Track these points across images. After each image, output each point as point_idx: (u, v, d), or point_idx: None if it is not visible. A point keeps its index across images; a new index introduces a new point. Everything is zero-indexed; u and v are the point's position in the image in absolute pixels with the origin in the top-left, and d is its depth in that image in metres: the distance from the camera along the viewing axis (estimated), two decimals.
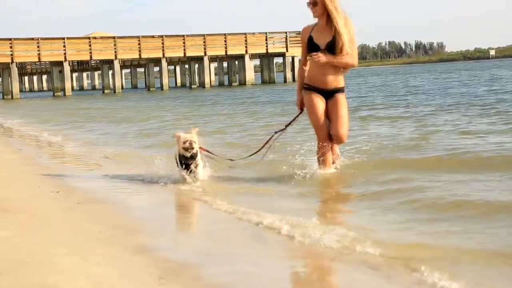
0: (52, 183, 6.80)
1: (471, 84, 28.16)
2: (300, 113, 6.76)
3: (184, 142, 6.41)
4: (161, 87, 50.80)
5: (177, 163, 6.59)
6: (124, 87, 55.95)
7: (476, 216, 4.56)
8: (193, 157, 6.46)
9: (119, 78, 51.20)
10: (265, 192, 6.03)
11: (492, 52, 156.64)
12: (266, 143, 6.98)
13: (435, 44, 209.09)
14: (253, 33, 52.85)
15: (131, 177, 7.19)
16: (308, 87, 6.53)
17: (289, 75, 53.17)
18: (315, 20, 6.44)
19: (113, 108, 26.20)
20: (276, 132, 6.96)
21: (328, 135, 6.53)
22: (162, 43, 50.06)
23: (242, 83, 52.52)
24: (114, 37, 50.42)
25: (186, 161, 6.49)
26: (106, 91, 50.53)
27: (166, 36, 50.60)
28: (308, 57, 6.39)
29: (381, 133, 10.38)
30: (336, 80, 6.45)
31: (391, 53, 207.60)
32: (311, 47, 6.37)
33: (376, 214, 4.89)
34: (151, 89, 51.64)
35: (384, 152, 7.85)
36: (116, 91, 48.87)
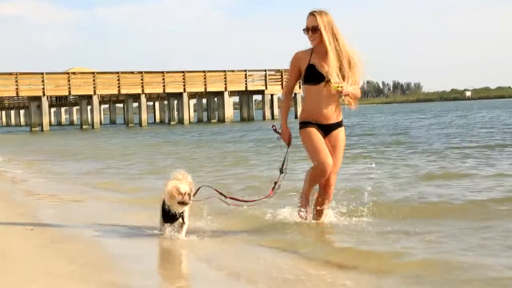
0: (25, 220, 6.72)
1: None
2: (288, 145, 6.02)
3: (183, 195, 5.33)
4: (140, 123, 50.73)
5: (161, 217, 5.61)
6: (102, 122, 55.76)
7: None
8: (181, 213, 5.47)
9: (98, 113, 51.05)
10: (246, 242, 5.59)
11: (468, 93, 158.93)
12: (270, 193, 6.14)
13: (412, 84, 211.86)
14: (233, 71, 53.19)
15: (106, 214, 7.13)
16: (308, 122, 5.87)
17: (268, 112, 53.39)
18: (308, 46, 5.90)
19: (91, 144, 26.04)
20: (275, 183, 6.11)
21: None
22: (142, 79, 50.15)
23: (221, 120, 52.62)
24: (93, 73, 50.43)
25: (171, 217, 5.50)
26: (84, 126, 50.31)
27: (145, 72, 50.72)
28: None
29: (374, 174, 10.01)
30: (337, 114, 5.87)
31: (369, 92, 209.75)
32: (312, 76, 5.76)
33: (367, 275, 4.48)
34: (129, 125, 51.54)
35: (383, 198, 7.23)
36: (94, 127, 48.68)
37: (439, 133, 21.56)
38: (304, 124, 5.88)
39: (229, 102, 53.59)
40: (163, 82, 50.70)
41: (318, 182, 5.93)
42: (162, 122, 61.32)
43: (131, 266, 4.83)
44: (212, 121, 54.35)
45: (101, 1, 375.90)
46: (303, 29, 5.80)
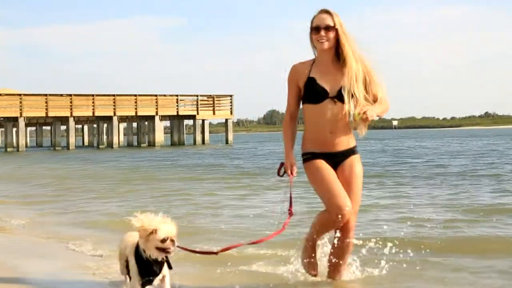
0: None
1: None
2: (291, 179, 4.78)
3: (164, 241, 4.07)
4: (67, 146, 49.66)
5: (137, 273, 4.21)
6: (28, 145, 54.25)
7: None
8: (162, 262, 4.24)
9: (24, 136, 49.69)
10: None
11: (395, 123, 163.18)
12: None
13: None
14: (164, 95, 52.91)
15: (32, 240, 6.95)
16: (313, 155, 4.70)
17: (198, 137, 53.30)
18: (306, 59, 4.79)
19: (17, 167, 25.32)
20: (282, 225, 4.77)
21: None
22: (70, 102, 49.20)
23: (151, 144, 52.15)
24: (20, 94, 49.13)
25: (149, 269, 4.19)
26: (8, 149, 48.83)
27: (74, 95, 49.82)
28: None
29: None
30: (348, 140, 4.70)
31: (300, 118, 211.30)
32: (314, 93, 4.61)
33: None
34: (56, 148, 50.35)
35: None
36: (20, 150, 47.35)
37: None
38: (308, 156, 4.72)
39: (160, 126, 53.24)
40: (93, 105, 49.92)
41: (330, 231, 4.71)
42: (91, 145, 60.23)
43: None
44: (142, 145, 53.78)
45: (33, 21, 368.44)
46: (311, 30, 4.66)
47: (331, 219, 4.55)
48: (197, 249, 4.82)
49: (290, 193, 4.75)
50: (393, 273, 5.06)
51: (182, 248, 4.36)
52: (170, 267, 4.25)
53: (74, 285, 5.05)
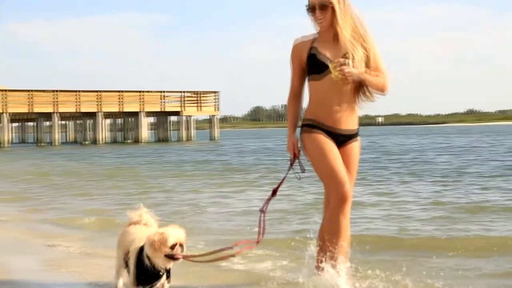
0: None
1: None
2: (294, 161, 4.49)
3: (173, 247, 3.79)
4: (52, 142, 49.29)
5: (134, 278, 3.94)
6: (12, 141, 53.83)
7: None
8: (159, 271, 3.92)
9: (7, 132, 49.25)
10: None
11: (380, 119, 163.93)
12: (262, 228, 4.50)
13: None
14: (149, 91, 52.67)
15: (13, 237, 6.78)
16: (313, 125, 4.42)
17: (184, 134, 53.15)
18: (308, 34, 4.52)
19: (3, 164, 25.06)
20: (267, 202, 4.56)
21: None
22: (55, 98, 48.81)
23: (136, 140, 51.91)
24: (3, 90, 48.68)
25: (151, 278, 3.90)
26: None
27: (59, 91, 49.44)
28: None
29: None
30: (352, 120, 4.45)
31: (284, 115, 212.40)
32: (316, 64, 4.36)
33: None
34: (41, 144, 49.96)
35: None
36: (4, 146, 46.92)
37: None
38: (308, 127, 4.44)
39: (145, 122, 53.02)
40: (78, 101, 49.55)
41: (342, 214, 4.31)
42: (75, 141, 59.86)
43: None
44: (127, 141, 53.51)
45: (14, 17, 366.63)
46: (306, 9, 4.42)
47: (333, 200, 4.29)
48: (211, 251, 4.29)
49: (286, 174, 4.50)
50: (385, 270, 4.92)
51: (191, 258, 4.00)
52: (168, 280, 3.96)
53: (54, 283, 4.90)
